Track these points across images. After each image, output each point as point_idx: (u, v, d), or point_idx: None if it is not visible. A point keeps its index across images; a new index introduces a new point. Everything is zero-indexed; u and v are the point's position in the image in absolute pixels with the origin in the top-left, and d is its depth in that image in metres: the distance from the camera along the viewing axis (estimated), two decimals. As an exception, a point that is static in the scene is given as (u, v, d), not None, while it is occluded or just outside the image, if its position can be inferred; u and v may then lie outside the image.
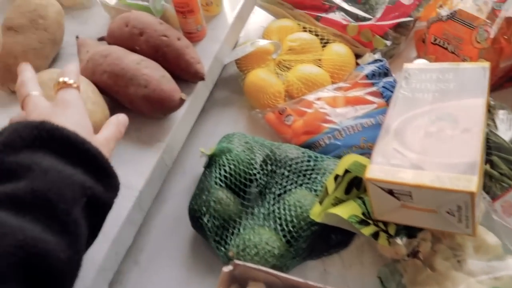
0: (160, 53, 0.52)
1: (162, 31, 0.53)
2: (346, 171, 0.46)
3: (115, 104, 0.52)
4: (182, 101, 0.50)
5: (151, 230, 0.55)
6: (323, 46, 0.64)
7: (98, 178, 0.32)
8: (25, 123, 0.31)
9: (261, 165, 0.52)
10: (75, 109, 0.36)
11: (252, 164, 0.52)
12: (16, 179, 0.28)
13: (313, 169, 0.51)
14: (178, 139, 0.55)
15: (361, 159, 0.47)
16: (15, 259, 0.24)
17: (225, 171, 0.50)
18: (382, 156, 0.44)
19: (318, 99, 0.57)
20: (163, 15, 0.59)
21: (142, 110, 0.51)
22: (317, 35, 0.64)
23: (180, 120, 0.54)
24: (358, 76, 0.57)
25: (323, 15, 0.65)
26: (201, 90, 0.58)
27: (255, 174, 0.51)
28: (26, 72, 0.40)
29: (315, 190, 0.49)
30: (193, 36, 0.59)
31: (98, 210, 0.32)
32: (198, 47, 0.59)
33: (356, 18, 0.65)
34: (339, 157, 0.53)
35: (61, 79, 0.38)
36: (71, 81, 0.38)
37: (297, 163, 0.51)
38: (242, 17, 0.65)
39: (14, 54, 0.55)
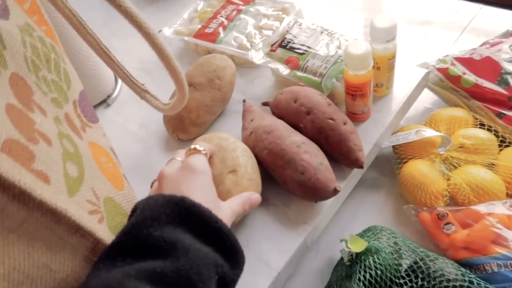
0: (323, 135, 0.52)
1: (329, 113, 0.52)
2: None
3: (269, 178, 0.53)
4: (336, 192, 0.48)
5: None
6: (501, 148, 0.57)
7: (226, 256, 0.34)
8: (168, 198, 0.34)
9: (409, 274, 0.47)
10: (202, 176, 0.40)
11: (400, 272, 0.48)
12: (162, 256, 0.31)
13: (473, 300, 0.44)
14: (323, 223, 0.53)
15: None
16: None
17: (370, 275, 0.46)
18: None
19: (490, 214, 0.49)
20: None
21: (294, 193, 0.50)
22: (496, 134, 0.57)
23: (329, 206, 0.52)
24: (546, 197, 0.49)
25: (507, 112, 0.58)
26: (355, 175, 0.55)
27: (401, 285, 0.47)
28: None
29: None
30: (357, 117, 0.57)
31: (226, 286, 0.34)
32: (360, 129, 0.57)
33: (550, 123, 0.55)
34: (508, 292, 0.45)
35: (192, 146, 0.44)
36: (201, 149, 0.43)
37: (454, 286, 0.45)
38: (410, 101, 0.62)
39: (189, 108, 0.60)
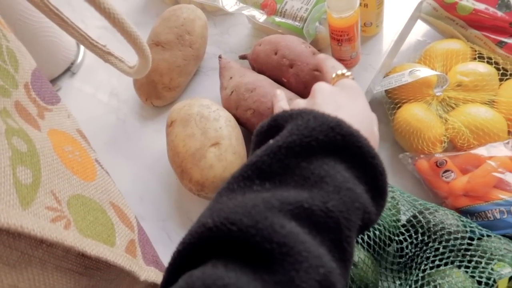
0: (309, 89, 0.46)
1: (314, 64, 0.47)
2: (528, 274, 0.37)
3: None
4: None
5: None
6: (501, 82, 0.52)
7: (374, 198, 0.29)
8: (321, 120, 0.28)
9: (408, 230, 0.45)
10: (360, 95, 0.34)
11: (399, 228, 0.46)
12: (308, 190, 0.26)
13: (475, 250, 0.43)
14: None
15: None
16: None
17: (368, 237, 0.44)
18: None
19: (491, 157, 0.46)
20: (313, 36, 0.52)
21: (285, 156, 0.46)
22: (496, 67, 0.52)
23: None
24: (551, 134, 0.45)
25: (509, 40, 0.52)
26: (347, 128, 0.51)
27: (401, 241, 0.45)
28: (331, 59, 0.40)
29: (478, 281, 0.41)
30: (345, 63, 0.52)
31: (363, 231, 0.29)
32: (349, 76, 0.52)
33: (556, 49, 0.50)
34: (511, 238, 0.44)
35: (339, 72, 0.37)
36: (348, 73, 0.37)
37: (456, 238, 0.43)
38: (402, 38, 0.56)
39: (159, 71, 0.54)
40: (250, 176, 0.27)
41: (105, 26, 0.69)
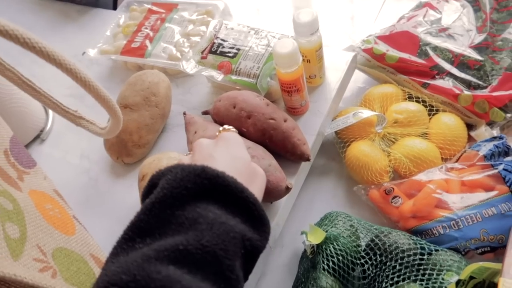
0: (267, 136, 0.53)
1: (269, 114, 0.53)
2: (471, 277, 0.42)
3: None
4: (288, 190, 0.50)
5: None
6: (430, 116, 0.61)
7: (254, 226, 0.32)
8: (188, 170, 0.31)
9: (368, 253, 0.50)
10: (237, 144, 0.38)
11: (360, 253, 0.51)
12: (184, 233, 0.28)
13: (427, 264, 0.48)
14: (282, 219, 0.55)
15: (487, 264, 0.43)
16: None
17: (333, 262, 0.48)
18: (516, 268, 0.40)
19: (429, 181, 0.53)
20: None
21: (251, 197, 0.51)
22: (424, 104, 0.61)
23: (285, 202, 0.53)
24: (474, 157, 0.53)
25: (431, 82, 0.62)
26: (304, 168, 0.57)
27: (363, 264, 0.49)
28: None
29: (432, 291, 0.46)
30: (296, 111, 0.59)
31: (252, 257, 0.32)
32: (301, 122, 0.59)
33: (469, 85, 0.60)
34: (456, 249, 0.49)
35: (221, 128, 0.44)
36: (230, 127, 0.44)
37: (409, 255, 0.48)
38: (344, 86, 0.64)
39: (129, 130, 0.59)
40: (131, 236, 0.29)
41: (71, 94, 0.73)
